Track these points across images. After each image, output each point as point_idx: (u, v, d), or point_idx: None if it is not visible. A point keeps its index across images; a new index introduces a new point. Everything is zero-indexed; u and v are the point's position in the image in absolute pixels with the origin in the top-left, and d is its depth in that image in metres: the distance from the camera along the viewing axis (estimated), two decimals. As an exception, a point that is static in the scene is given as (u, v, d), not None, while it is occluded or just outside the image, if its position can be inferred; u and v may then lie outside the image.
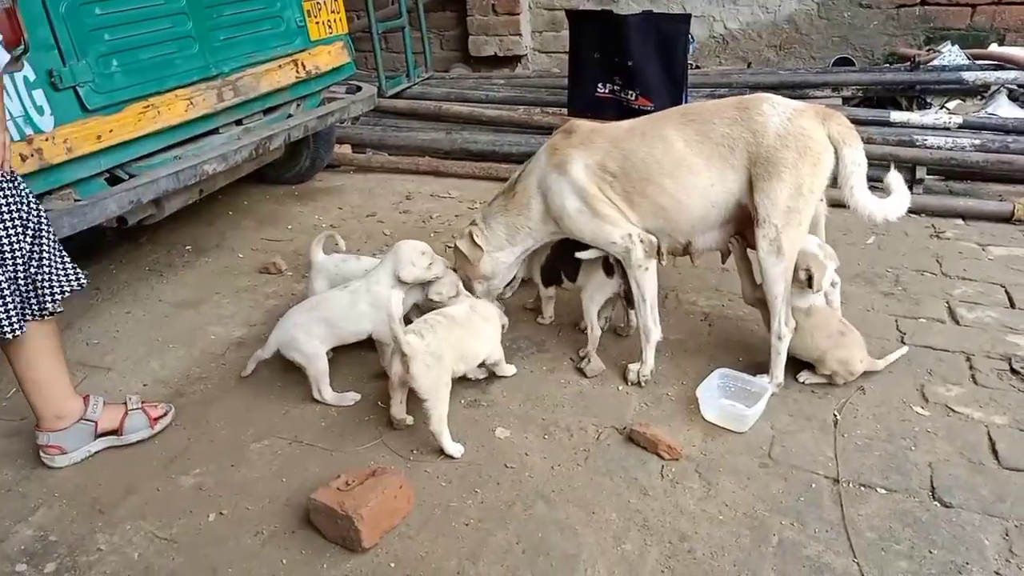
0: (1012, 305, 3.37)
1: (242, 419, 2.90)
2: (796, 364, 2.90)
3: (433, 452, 2.66)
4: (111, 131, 3.26)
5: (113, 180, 3.40)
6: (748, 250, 2.88)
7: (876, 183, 2.75)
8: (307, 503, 2.34)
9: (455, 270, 3.19)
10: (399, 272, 2.99)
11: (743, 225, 2.83)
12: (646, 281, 2.90)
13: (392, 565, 2.21)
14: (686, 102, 4.71)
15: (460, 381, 3.02)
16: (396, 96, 6.51)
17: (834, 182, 2.69)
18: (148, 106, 3.44)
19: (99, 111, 3.22)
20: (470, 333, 2.80)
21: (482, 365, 2.95)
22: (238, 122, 4.04)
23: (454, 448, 2.63)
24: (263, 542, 2.32)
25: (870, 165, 2.75)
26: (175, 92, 3.58)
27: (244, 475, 2.61)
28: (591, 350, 3.09)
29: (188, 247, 4.50)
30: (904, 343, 3.00)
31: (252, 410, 2.95)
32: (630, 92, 5.05)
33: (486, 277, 3.18)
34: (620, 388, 2.97)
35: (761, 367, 2.90)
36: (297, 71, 4.29)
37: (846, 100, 5.69)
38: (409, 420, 2.78)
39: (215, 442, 2.79)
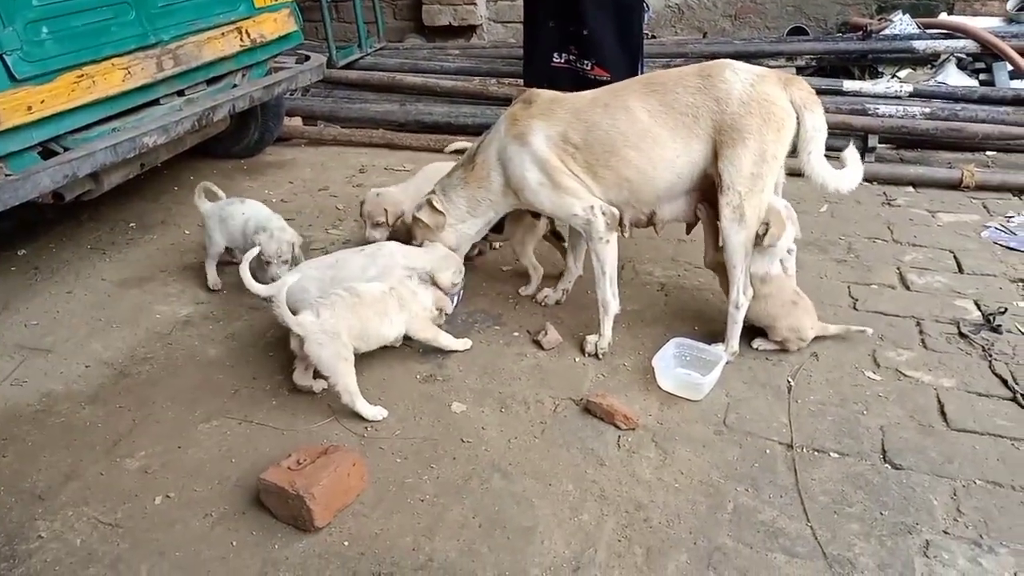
0: (960, 270, 3.43)
1: (189, 399, 2.81)
2: (750, 331, 2.90)
3: (387, 428, 2.61)
4: (43, 102, 3.10)
5: (47, 154, 3.25)
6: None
7: (830, 151, 2.75)
8: (257, 483, 2.27)
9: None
10: (439, 276, 2.99)
11: (708, 194, 2.81)
12: (607, 254, 2.87)
13: (346, 543, 2.17)
14: (642, 72, 4.66)
15: (415, 356, 2.98)
16: (348, 67, 6.35)
17: (791, 150, 2.69)
18: (82, 75, 3.28)
19: (29, 81, 3.06)
20: (376, 315, 2.75)
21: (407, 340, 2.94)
22: (180, 93, 3.89)
23: (373, 412, 2.64)
24: (212, 524, 2.26)
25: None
26: (111, 61, 3.42)
27: (192, 456, 2.53)
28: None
29: (132, 224, 4.34)
30: (863, 326, 3.04)
31: (200, 390, 2.86)
32: (586, 62, 4.98)
33: (450, 249, 3.12)
34: (577, 360, 2.95)
35: (717, 336, 2.90)
36: (241, 39, 4.13)
37: (800, 70, 5.70)
38: (316, 388, 2.77)
39: (161, 423, 2.70)
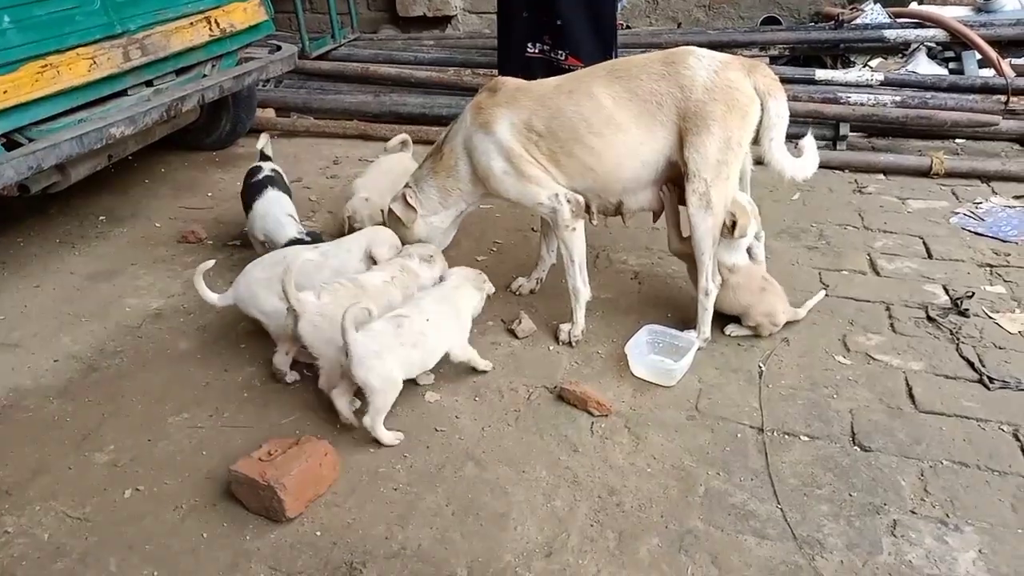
0: (929, 256, 3.47)
1: (160, 393, 2.78)
2: (723, 317, 2.92)
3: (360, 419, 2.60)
4: (5, 92, 3.05)
5: (11, 145, 3.18)
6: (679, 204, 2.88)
7: (799, 139, 2.78)
8: (228, 475, 2.26)
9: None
10: (375, 250, 2.96)
11: (673, 182, 2.82)
12: (574, 241, 2.88)
13: (318, 533, 2.16)
14: (615, 61, 4.67)
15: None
16: (321, 58, 6.28)
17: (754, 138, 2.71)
18: (46, 66, 3.22)
19: (-9, 71, 3.01)
20: (380, 308, 2.69)
21: None
22: (148, 83, 3.83)
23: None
24: (183, 517, 2.24)
25: (796, 122, 2.76)
26: (76, 51, 3.36)
27: (162, 450, 2.51)
28: None
29: (102, 217, 4.28)
30: (825, 291, 3.09)
31: (170, 383, 2.83)
32: (560, 52, 4.97)
33: (421, 242, 3.10)
34: (551, 348, 2.95)
35: (689, 323, 2.92)
36: (210, 29, 4.08)
37: (773, 59, 5.73)
38: (288, 378, 2.76)
39: (131, 417, 2.67)
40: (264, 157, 3.74)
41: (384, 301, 2.72)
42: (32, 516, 2.27)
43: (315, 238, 3.32)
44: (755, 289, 2.85)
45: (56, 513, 2.27)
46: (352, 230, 3.43)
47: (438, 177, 2.98)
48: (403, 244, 3.10)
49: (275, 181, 3.57)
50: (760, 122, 2.64)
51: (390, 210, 3.08)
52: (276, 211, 3.39)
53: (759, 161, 2.83)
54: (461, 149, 2.90)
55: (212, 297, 2.81)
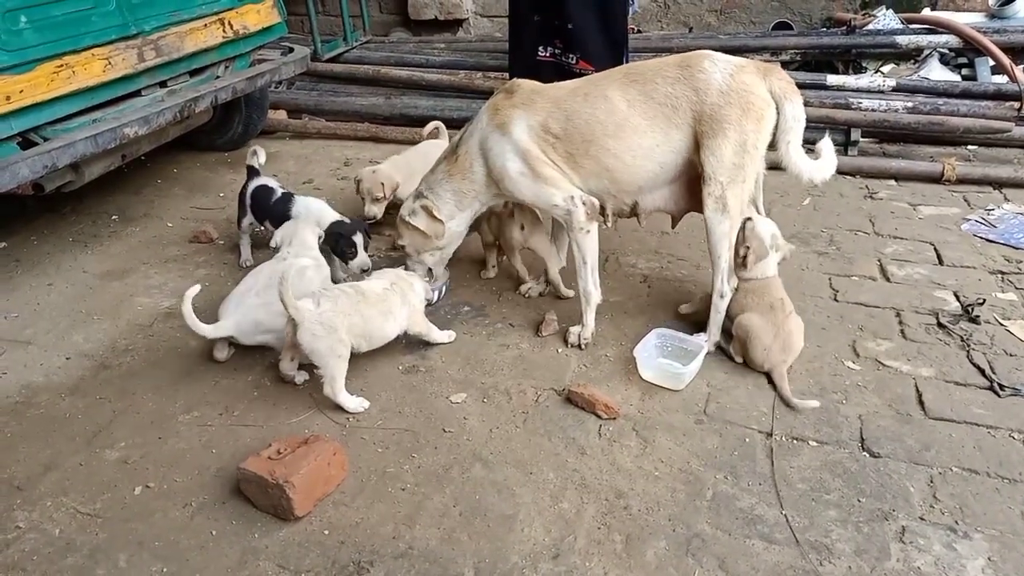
0: (940, 262, 3.46)
1: (170, 391, 2.80)
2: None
3: (369, 419, 2.61)
4: (21, 92, 3.09)
5: (26, 144, 3.22)
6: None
7: (811, 145, 2.77)
8: (237, 473, 2.27)
9: (402, 246, 3.15)
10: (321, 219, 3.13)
11: (690, 183, 2.81)
12: (587, 244, 2.88)
13: (326, 532, 2.17)
14: (627, 65, 4.67)
15: (399, 347, 2.98)
16: (333, 60, 6.32)
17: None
18: (62, 66, 3.26)
19: (7, 70, 3.04)
20: (380, 314, 2.72)
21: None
22: (162, 84, 3.86)
23: (354, 404, 2.63)
24: (192, 514, 2.25)
25: (807, 127, 2.76)
26: (91, 51, 3.40)
27: (172, 447, 2.52)
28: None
29: (114, 217, 4.31)
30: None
31: (181, 382, 2.85)
32: (571, 56, 4.98)
33: (439, 248, 3.11)
34: (560, 351, 2.96)
35: (699, 326, 2.91)
36: (224, 31, 4.11)
37: (785, 64, 5.71)
38: (298, 379, 2.77)
39: (141, 414, 2.69)
40: (254, 172, 3.72)
41: (384, 307, 2.75)
42: (43, 512, 2.29)
43: (357, 224, 3.32)
44: (763, 308, 2.76)
45: (67, 509, 2.29)
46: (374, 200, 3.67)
47: (453, 180, 2.99)
48: (418, 253, 3.10)
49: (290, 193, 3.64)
50: (776, 125, 2.65)
51: (410, 224, 3.04)
52: (316, 206, 3.49)
53: (773, 166, 2.83)
54: (477, 150, 2.91)
55: (204, 329, 2.72)
